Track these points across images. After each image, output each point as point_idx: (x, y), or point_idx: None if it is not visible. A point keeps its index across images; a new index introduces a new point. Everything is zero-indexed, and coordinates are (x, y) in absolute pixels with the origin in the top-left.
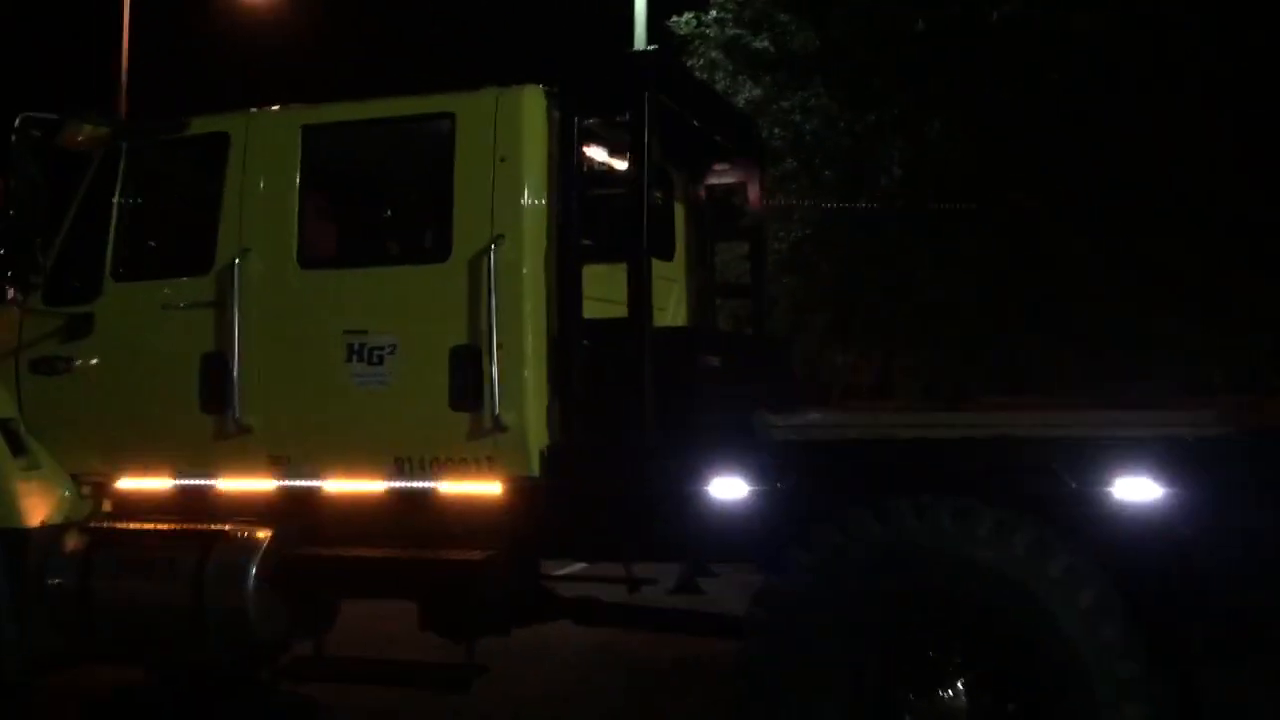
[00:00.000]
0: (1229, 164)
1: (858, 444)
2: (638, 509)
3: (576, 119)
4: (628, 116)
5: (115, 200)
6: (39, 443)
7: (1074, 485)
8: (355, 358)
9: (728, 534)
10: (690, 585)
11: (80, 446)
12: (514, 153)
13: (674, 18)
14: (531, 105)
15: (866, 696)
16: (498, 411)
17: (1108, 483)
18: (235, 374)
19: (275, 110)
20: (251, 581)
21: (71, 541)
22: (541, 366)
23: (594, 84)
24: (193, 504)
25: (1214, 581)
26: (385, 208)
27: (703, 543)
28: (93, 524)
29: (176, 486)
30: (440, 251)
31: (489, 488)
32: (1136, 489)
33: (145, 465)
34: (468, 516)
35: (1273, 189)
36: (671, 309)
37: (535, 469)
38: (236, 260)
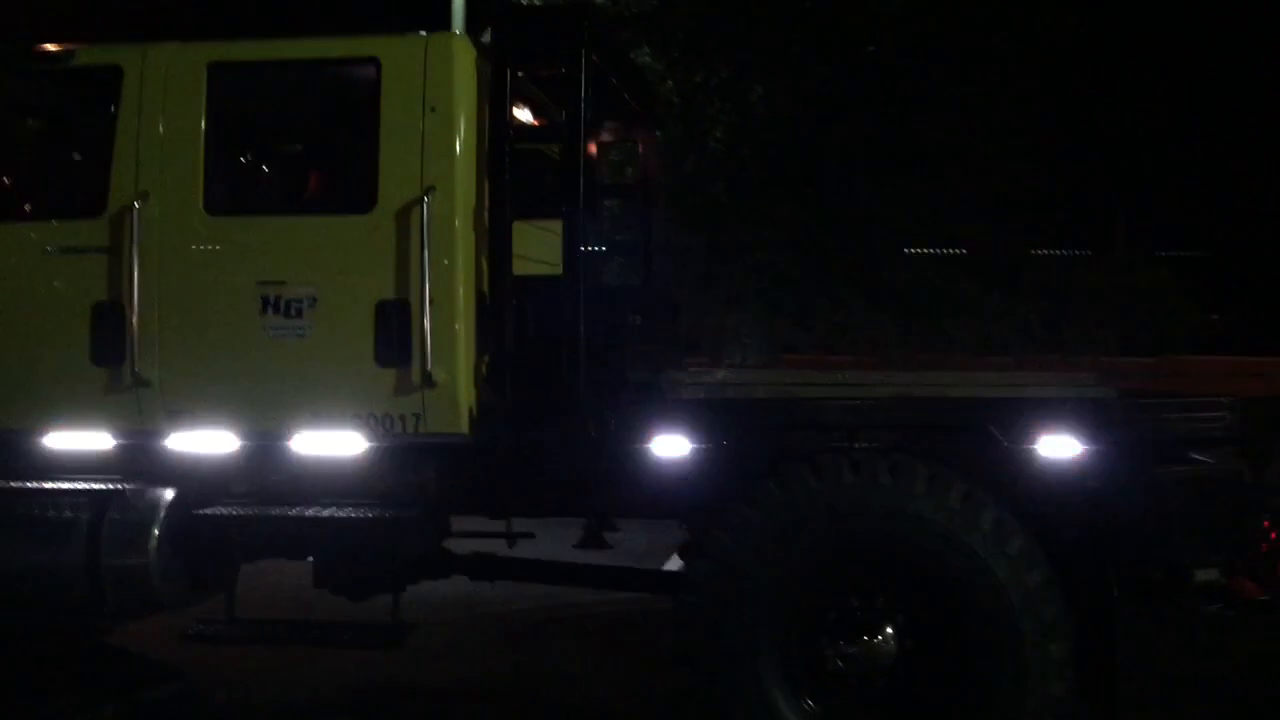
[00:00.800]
0: (1026, 146)
1: (798, 402)
2: (574, 468)
3: (508, 70)
4: (563, 70)
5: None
6: None
7: (1005, 443)
8: (270, 309)
9: (663, 491)
10: (597, 539)
11: None
12: (445, 102)
13: None
14: (462, 53)
15: (800, 645)
16: (429, 368)
17: (1031, 440)
18: (133, 325)
19: (176, 45)
20: (153, 541)
21: None
22: (472, 323)
23: (530, 36)
24: (75, 461)
25: (1124, 530)
26: (301, 154)
27: (637, 500)
28: None
29: (58, 442)
30: (364, 201)
31: (412, 444)
32: (1057, 446)
33: (21, 419)
34: (387, 474)
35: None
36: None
37: (465, 427)
38: (136, 204)
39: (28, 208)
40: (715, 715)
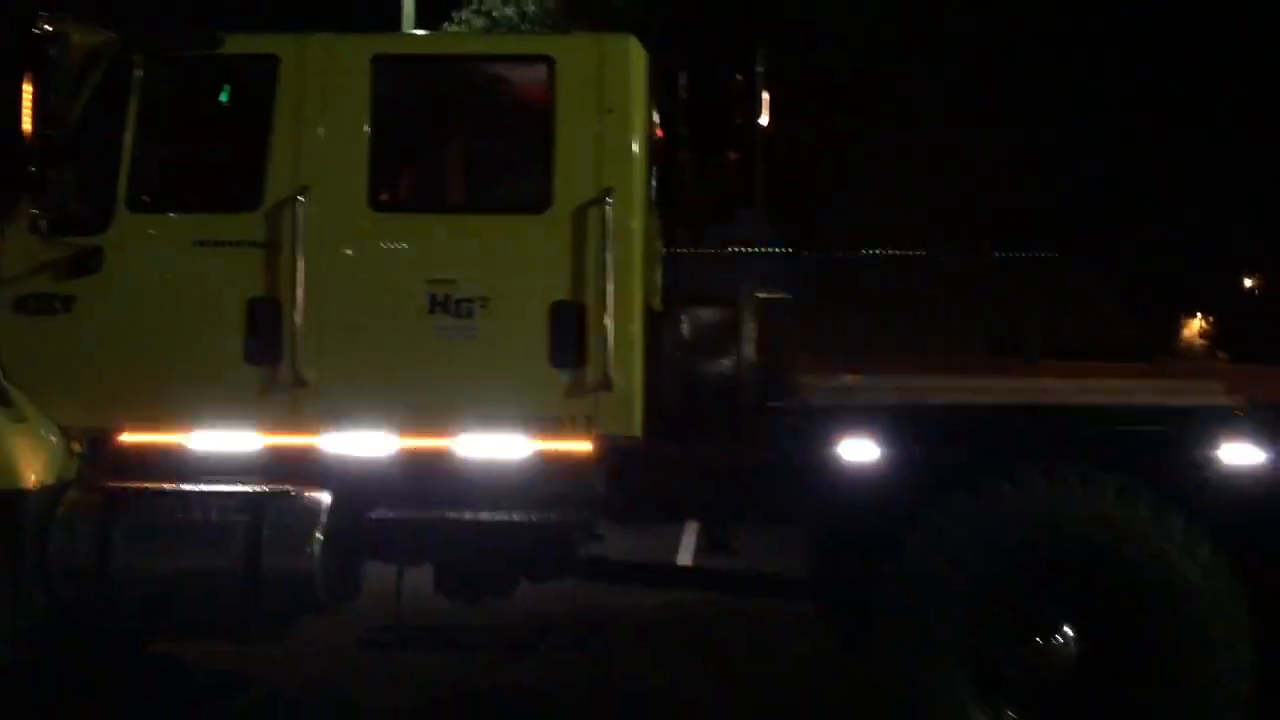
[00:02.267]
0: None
1: (988, 411)
2: (743, 472)
3: (679, 74)
4: (738, 76)
5: (128, 120)
6: (18, 391)
7: (1191, 452)
8: (439, 308)
9: (847, 498)
10: (723, 544)
11: (76, 397)
12: (623, 104)
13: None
14: (637, 56)
15: (988, 650)
16: (609, 370)
17: (1214, 448)
18: (292, 322)
19: (338, 36)
20: (317, 545)
21: (79, 504)
22: (643, 326)
23: (703, 41)
24: (227, 463)
25: None
26: (470, 151)
27: (817, 506)
28: (109, 484)
29: (210, 443)
30: (540, 201)
31: (583, 447)
32: (1239, 454)
33: (163, 419)
34: (554, 477)
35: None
36: None
37: (638, 430)
38: (301, 198)
39: (176, 199)
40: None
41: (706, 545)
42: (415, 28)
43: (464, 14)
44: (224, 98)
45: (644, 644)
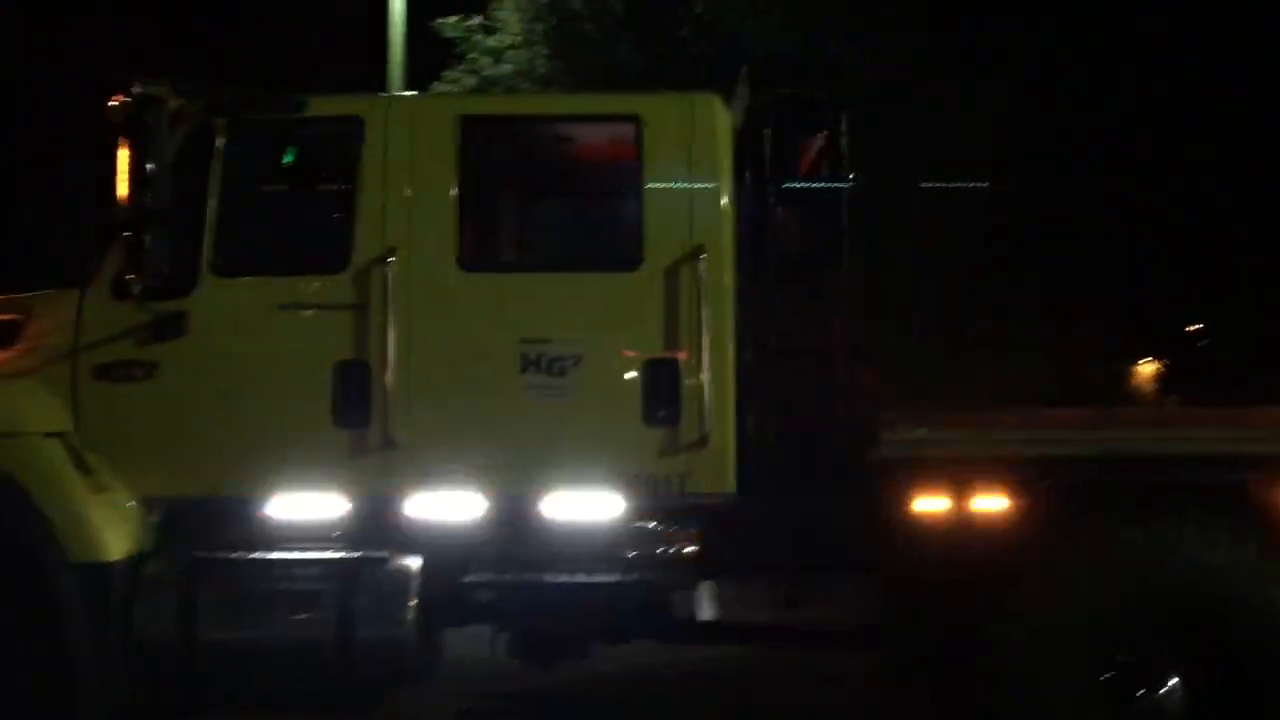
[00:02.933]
0: None
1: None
2: (839, 528)
3: (766, 132)
4: (825, 133)
5: (212, 184)
6: (97, 459)
7: None
8: (532, 368)
9: (951, 549)
10: (798, 598)
11: (157, 465)
12: (710, 161)
13: (440, 20)
14: (723, 115)
15: (1105, 695)
16: (706, 428)
17: None
18: (387, 384)
19: (423, 96)
20: (411, 612)
21: (163, 574)
22: (735, 383)
23: (794, 100)
24: (317, 528)
25: None
26: (559, 209)
27: (920, 559)
28: (194, 553)
29: (299, 508)
30: (630, 259)
31: (677, 506)
32: None
33: (249, 485)
34: (648, 537)
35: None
36: None
37: (732, 486)
38: (390, 260)
39: (261, 263)
40: None
41: (784, 600)
42: (405, 85)
43: (455, 72)
44: (289, 159)
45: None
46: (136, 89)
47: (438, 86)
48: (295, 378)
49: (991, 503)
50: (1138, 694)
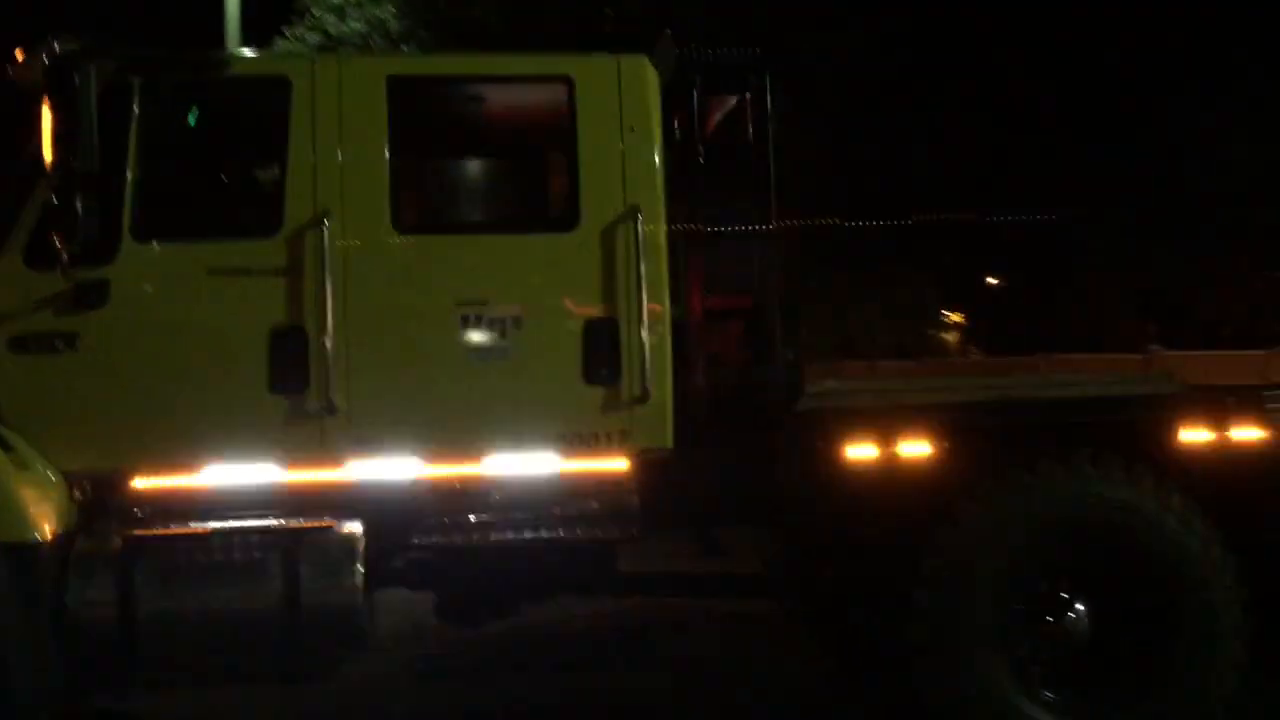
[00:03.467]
0: None
1: (1020, 403)
2: (767, 478)
3: (694, 92)
4: (748, 94)
5: (131, 146)
6: (17, 436)
7: (1184, 435)
8: (471, 330)
9: (877, 492)
10: (716, 547)
11: (82, 440)
12: (643, 123)
13: None
14: (652, 76)
15: (1015, 629)
16: (647, 383)
17: (1199, 432)
18: (320, 349)
19: (352, 56)
20: (357, 577)
21: (96, 553)
22: (670, 339)
23: (716, 60)
24: (252, 496)
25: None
26: (494, 170)
27: (849, 503)
28: (129, 530)
29: (233, 476)
30: (568, 220)
31: (619, 463)
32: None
33: (180, 457)
34: (591, 493)
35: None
36: None
37: (670, 440)
38: (325, 223)
39: (186, 227)
40: (947, 702)
41: (704, 550)
42: (242, 44)
43: (300, 30)
44: (195, 120)
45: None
46: (56, 47)
47: (279, 44)
48: (228, 345)
49: (913, 449)
50: (1046, 621)
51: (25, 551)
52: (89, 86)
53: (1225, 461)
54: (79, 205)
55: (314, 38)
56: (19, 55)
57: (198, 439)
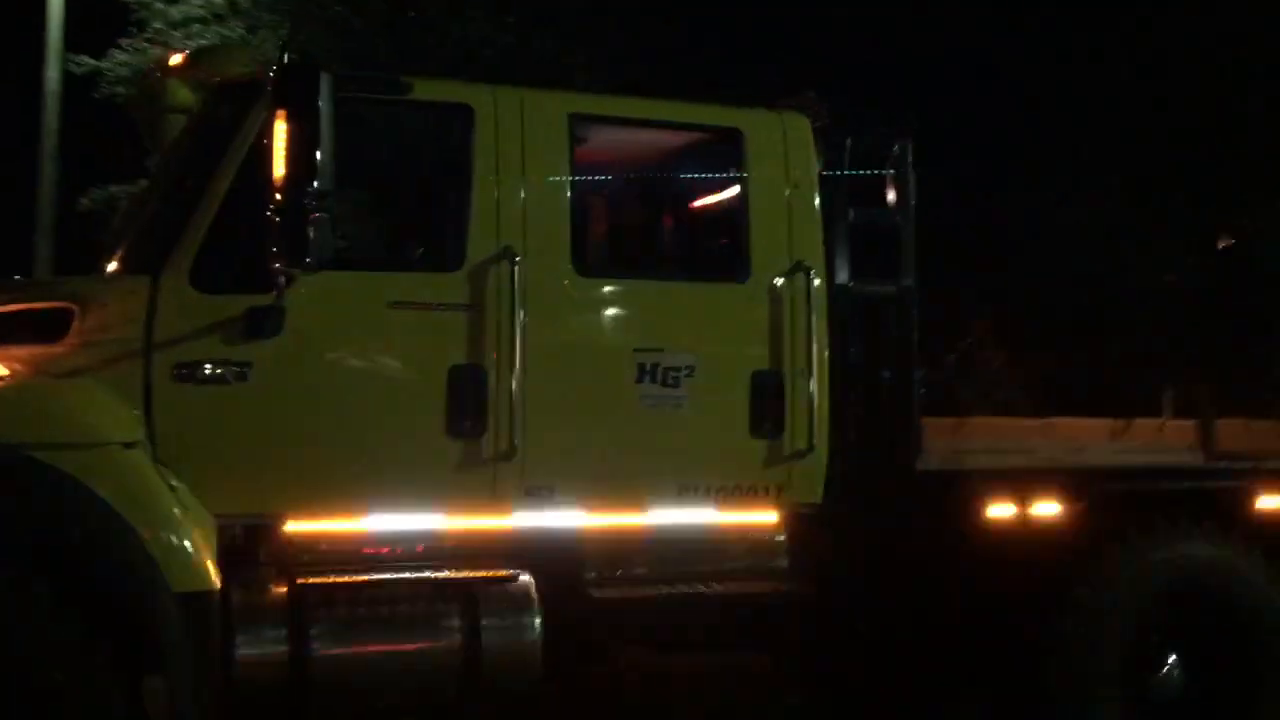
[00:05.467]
0: None
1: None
2: (911, 535)
3: (846, 152)
4: (895, 152)
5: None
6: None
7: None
8: (647, 378)
9: (1005, 554)
10: None
11: (244, 481)
12: (805, 179)
13: None
14: (809, 132)
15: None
16: (813, 440)
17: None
18: (513, 390)
19: (531, 90)
20: (538, 631)
21: (262, 602)
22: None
23: (866, 124)
24: (414, 545)
25: None
26: (667, 216)
27: (976, 563)
28: (301, 580)
29: (392, 526)
30: (739, 271)
31: (770, 516)
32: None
33: (342, 502)
34: (746, 548)
35: None
36: None
37: (820, 496)
38: (517, 259)
39: (366, 255)
40: None
41: None
42: (64, 49)
43: (139, 41)
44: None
45: None
46: (290, 59)
47: (116, 54)
48: (405, 383)
49: (1046, 510)
50: (1148, 672)
51: (199, 603)
52: (328, 100)
53: None
54: (318, 225)
55: (157, 53)
56: (178, 60)
57: (367, 483)
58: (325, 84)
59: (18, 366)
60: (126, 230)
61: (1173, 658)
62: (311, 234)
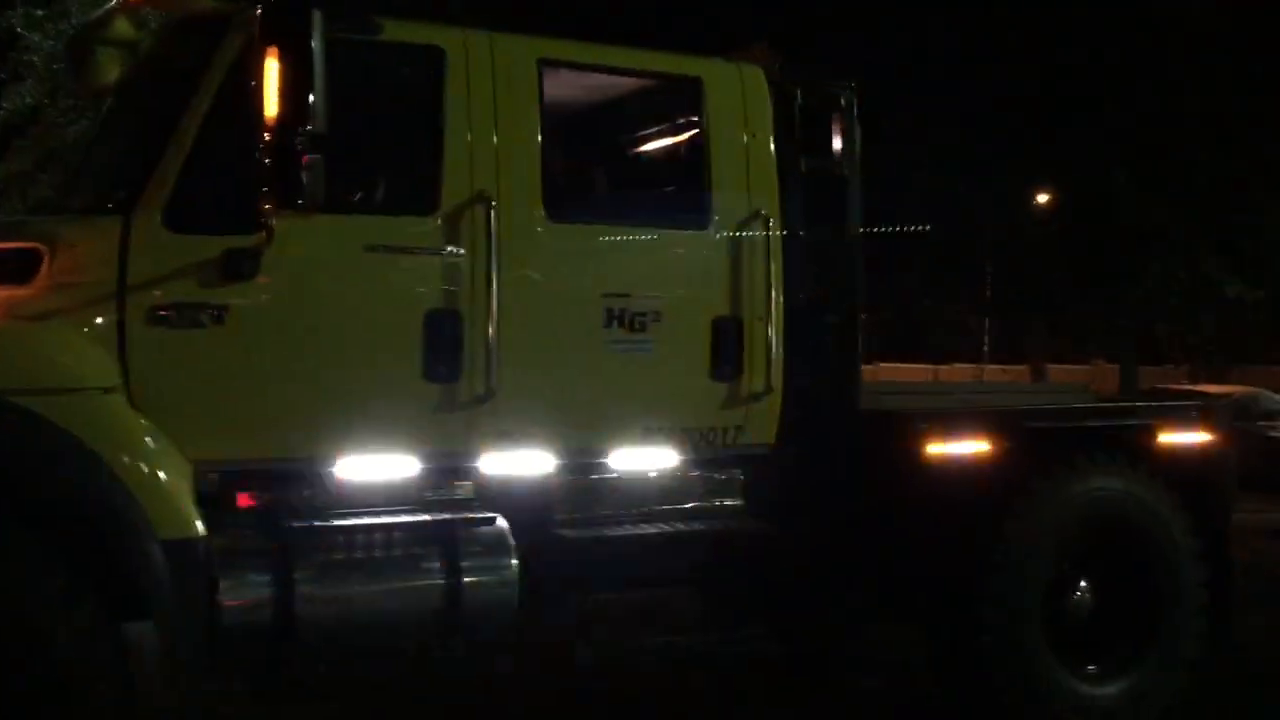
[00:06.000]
0: None
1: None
2: (853, 472)
3: (797, 105)
4: (841, 104)
5: None
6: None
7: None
8: (616, 322)
9: (943, 490)
10: None
11: (220, 427)
12: (762, 130)
13: None
14: (765, 86)
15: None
16: (771, 382)
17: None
18: (489, 335)
19: (504, 35)
20: (515, 572)
21: (242, 548)
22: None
23: (809, 74)
24: (389, 489)
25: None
26: (630, 164)
27: (918, 499)
28: (283, 524)
29: (381, 469)
30: (701, 219)
31: (728, 457)
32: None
33: (328, 446)
34: (701, 488)
35: None
36: None
37: (773, 437)
38: (493, 204)
39: (343, 198)
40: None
41: None
42: None
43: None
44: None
45: None
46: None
47: None
48: (382, 327)
49: (976, 448)
50: (1063, 596)
51: (184, 549)
52: (319, 38)
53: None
54: (314, 166)
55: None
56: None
57: (343, 427)
58: (317, 21)
59: None
60: (85, 170)
61: (1083, 583)
62: (306, 177)
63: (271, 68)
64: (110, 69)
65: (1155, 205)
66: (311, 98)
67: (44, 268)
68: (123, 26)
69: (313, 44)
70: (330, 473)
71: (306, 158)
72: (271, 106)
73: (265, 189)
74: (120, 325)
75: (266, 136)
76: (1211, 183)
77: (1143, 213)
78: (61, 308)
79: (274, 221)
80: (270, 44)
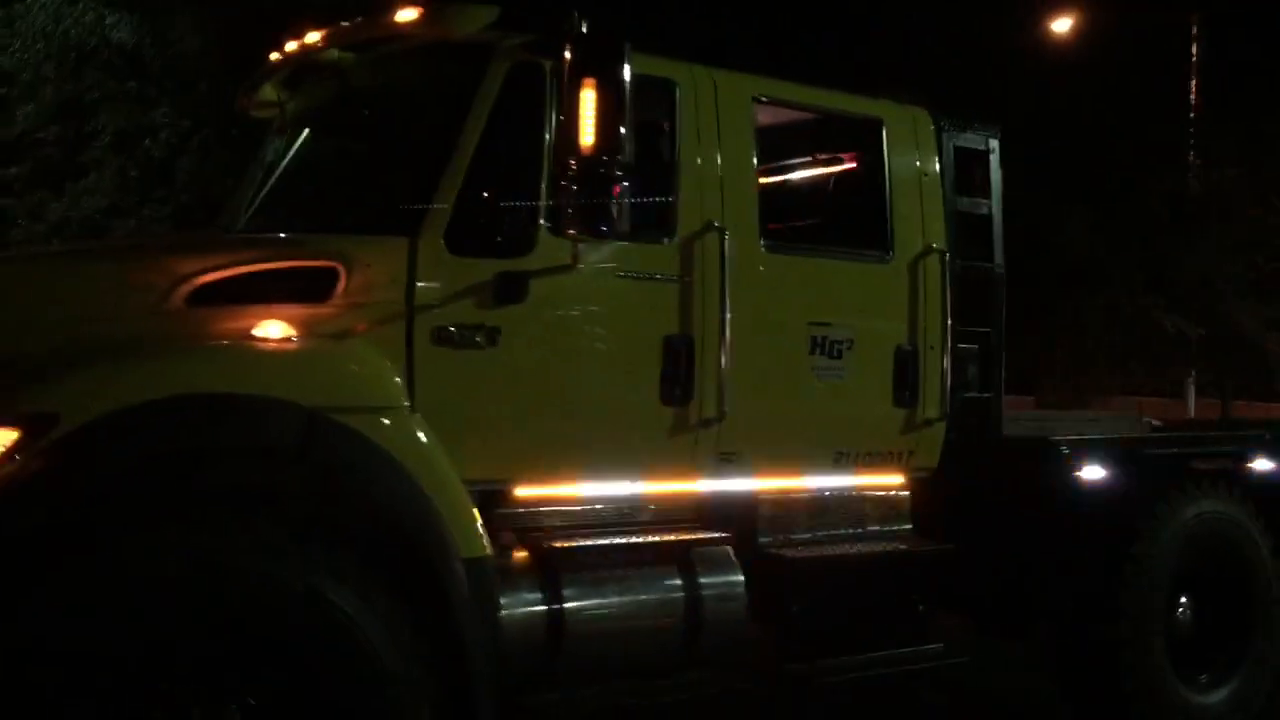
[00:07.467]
0: None
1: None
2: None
3: (952, 146)
4: (989, 147)
5: (545, 129)
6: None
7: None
8: (819, 349)
9: (1084, 512)
10: None
11: (489, 447)
12: (931, 169)
13: None
14: (932, 126)
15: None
16: (945, 409)
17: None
18: (722, 360)
19: (722, 70)
20: (743, 591)
21: (514, 564)
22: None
23: (969, 117)
24: (609, 510)
25: None
26: (823, 196)
27: (1062, 521)
28: (553, 544)
29: (599, 490)
30: (885, 251)
31: (898, 480)
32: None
33: (562, 468)
34: (878, 511)
35: None
36: None
37: (937, 461)
38: (725, 233)
39: (595, 224)
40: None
41: None
42: None
43: None
44: None
45: None
46: (583, 27)
47: None
48: (628, 351)
49: (1108, 473)
50: (1171, 613)
51: (480, 566)
52: (626, 69)
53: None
54: (624, 195)
55: None
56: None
57: (589, 449)
58: (627, 52)
59: (295, 328)
60: (334, 192)
61: (1183, 599)
62: (615, 207)
63: (587, 98)
64: (310, 93)
65: (1094, 240)
66: (622, 129)
67: (340, 285)
68: (330, 54)
69: (624, 75)
70: (570, 493)
71: (618, 188)
72: (587, 136)
73: (572, 215)
74: (409, 344)
75: (574, 165)
76: (1135, 217)
77: (1084, 247)
78: (357, 326)
79: (578, 249)
80: (583, 75)
